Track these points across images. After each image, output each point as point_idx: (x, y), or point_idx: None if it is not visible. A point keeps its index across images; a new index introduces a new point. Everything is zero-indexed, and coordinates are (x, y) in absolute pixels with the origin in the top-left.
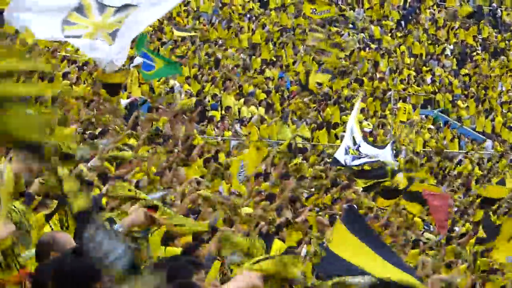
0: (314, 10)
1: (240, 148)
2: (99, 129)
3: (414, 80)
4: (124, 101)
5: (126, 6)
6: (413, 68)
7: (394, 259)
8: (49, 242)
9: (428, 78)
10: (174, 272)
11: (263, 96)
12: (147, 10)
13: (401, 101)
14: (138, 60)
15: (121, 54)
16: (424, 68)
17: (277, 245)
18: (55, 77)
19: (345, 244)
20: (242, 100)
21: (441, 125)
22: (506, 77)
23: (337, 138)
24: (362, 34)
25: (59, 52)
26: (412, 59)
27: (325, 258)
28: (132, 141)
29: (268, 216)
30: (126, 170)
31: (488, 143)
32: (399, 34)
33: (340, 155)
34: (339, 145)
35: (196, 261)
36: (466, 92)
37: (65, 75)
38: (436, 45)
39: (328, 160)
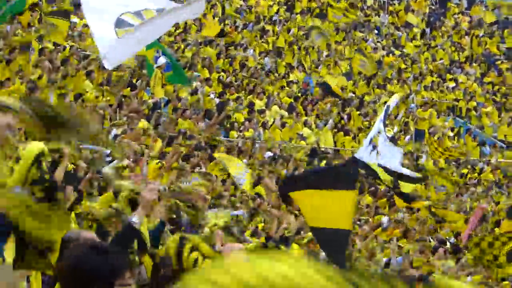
0: (335, 14)
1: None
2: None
3: (437, 87)
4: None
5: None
6: (435, 75)
7: None
8: (74, 240)
9: (451, 85)
10: None
11: (286, 100)
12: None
13: (421, 108)
14: (161, 60)
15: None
16: (448, 76)
17: (295, 249)
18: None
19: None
20: (264, 102)
21: (463, 132)
22: None
23: (359, 143)
24: (386, 40)
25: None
26: (435, 64)
27: None
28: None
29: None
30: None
31: None
32: (423, 41)
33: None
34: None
35: None
36: (489, 100)
37: (88, 74)
38: (460, 53)
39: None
